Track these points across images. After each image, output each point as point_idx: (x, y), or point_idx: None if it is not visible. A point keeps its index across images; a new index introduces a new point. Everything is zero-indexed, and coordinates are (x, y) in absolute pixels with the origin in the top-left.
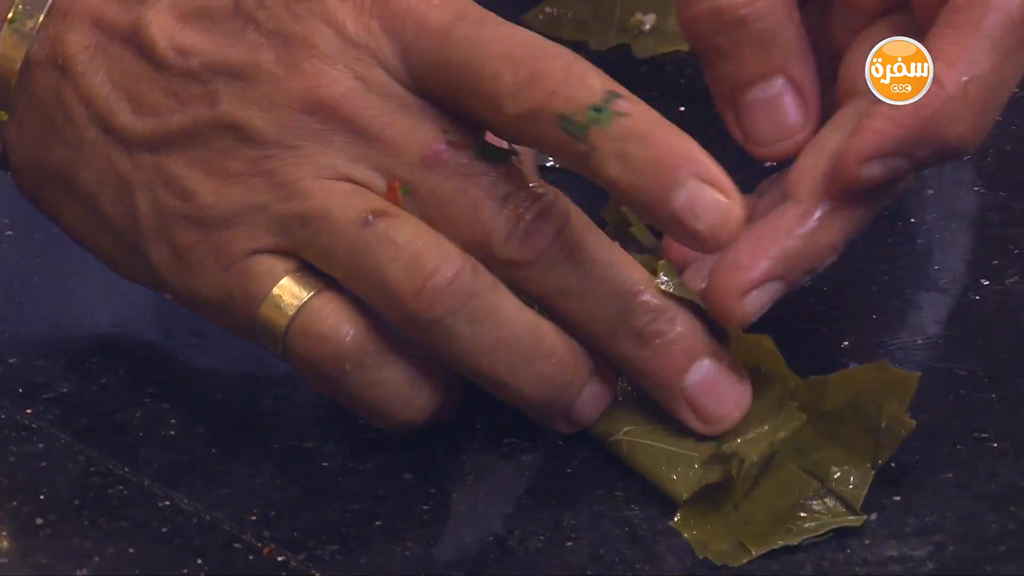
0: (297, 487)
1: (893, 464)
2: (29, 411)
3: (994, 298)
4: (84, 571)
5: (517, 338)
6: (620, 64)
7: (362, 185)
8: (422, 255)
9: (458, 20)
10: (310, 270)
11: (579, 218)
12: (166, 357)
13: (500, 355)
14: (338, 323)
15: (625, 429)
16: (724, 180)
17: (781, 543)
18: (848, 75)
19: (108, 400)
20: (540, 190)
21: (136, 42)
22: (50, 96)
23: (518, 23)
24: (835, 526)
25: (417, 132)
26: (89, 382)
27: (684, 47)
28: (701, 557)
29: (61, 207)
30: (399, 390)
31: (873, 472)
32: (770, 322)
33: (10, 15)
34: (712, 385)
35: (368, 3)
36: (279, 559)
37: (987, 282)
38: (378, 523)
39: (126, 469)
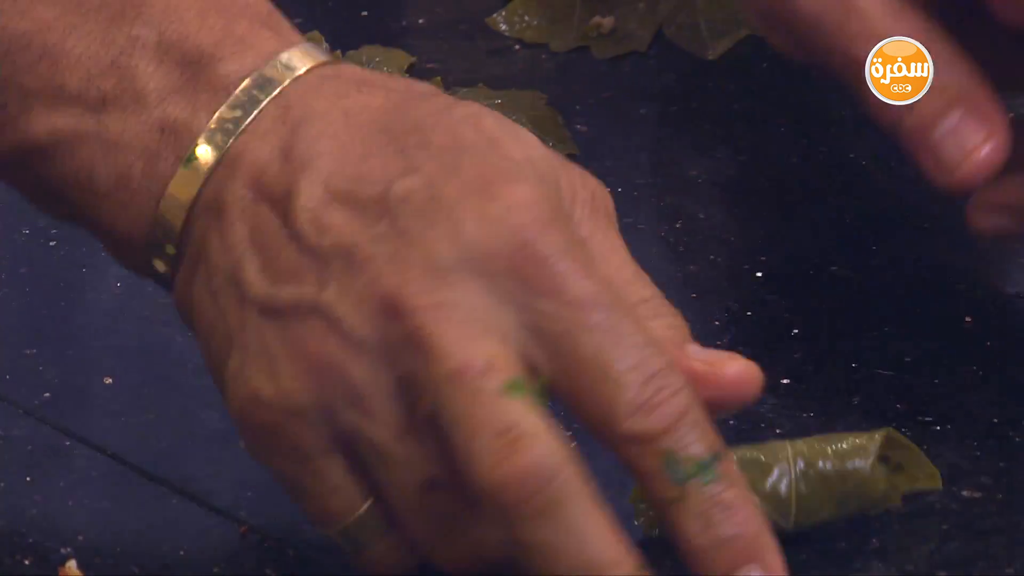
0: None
1: None
2: (16, 396)
3: (937, 288)
4: (69, 549)
5: None
6: (580, 64)
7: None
8: (471, 536)
9: (598, 304)
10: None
11: (575, 478)
12: (145, 344)
13: None
14: (399, 564)
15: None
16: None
17: None
18: None
19: (90, 386)
20: (541, 443)
21: (283, 207)
22: (201, 236)
23: (482, 26)
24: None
25: (469, 347)
26: (72, 369)
27: (641, 48)
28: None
29: (195, 335)
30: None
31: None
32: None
33: (187, 154)
34: None
35: (509, 249)
36: (255, 536)
37: (931, 271)
38: None
39: (108, 452)
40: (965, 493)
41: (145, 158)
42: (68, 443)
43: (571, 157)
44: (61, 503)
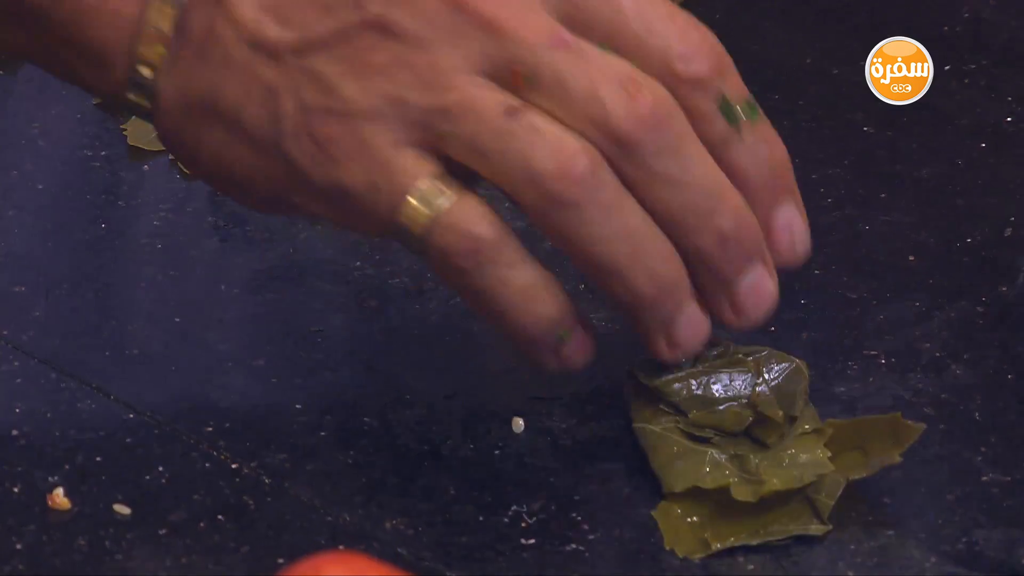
0: (249, 401)
1: None
2: (5, 332)
3: (882, 228)
4: (56, 478)
5: (637, 230)
6: None
7: (494, 81)
8: (566, 141)
9: None
10: (453, 173)
11: (684, 117)
12: (130, 283)
13: (621, 245)
14: (481, 220)
15: (664, 423)
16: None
17: (742, 543)
18: None
19: (77, 323)
20: (656, 85)
21: None
22: (201, 28)
23: None
24: (797, 533)
25: (544, 23)
26: (60, 306)
27: None
28: (668, 548)
29: (201, 135)
30: (524, 293)
31: (844, 484)
32: None
33: None
34: (758, 287)
35: None
36: (232, 466)
37: (876, 213)
38: (323, 434)
39: (93, 385)
40: (908, 424)
41: None
42: (54, 376)
43: None
44: (48, 434)
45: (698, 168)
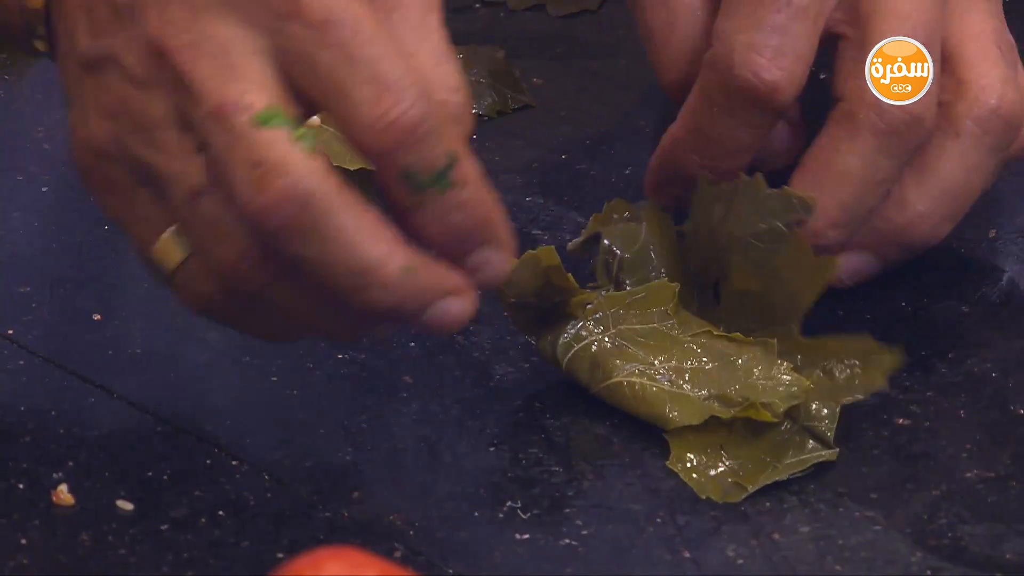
0: (249, 399)
1: None
2: (11, 331)
3: None
4: (60, 474)
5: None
6: (536, 21)
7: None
8: (220, 250)
9: (334, 22)
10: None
11: (327, 197)
12: (132, 283)
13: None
14: (200, 294)
15: (625, 372)
16: (511, 246)
17: (776, 479)
18: (838, 84)
19: (81, 322)
20: (292, 169)
21: None
22: (59, 17)
23: None
24: (815, 461)
25: (217, 85)
26: (64, 306)
27: (593, 7)
28: (703, 497)
29: None
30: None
31: (839, 409)
32: None
33: None
34: (440, 320)
35: None
36: (232, 463)
37: None
38: (321, 431)
39: (97, 383)
40: (895, 421)
41: None
42: (59, 375)
43: (528, 108)
44: (52, 431)
45: (339, 250)
